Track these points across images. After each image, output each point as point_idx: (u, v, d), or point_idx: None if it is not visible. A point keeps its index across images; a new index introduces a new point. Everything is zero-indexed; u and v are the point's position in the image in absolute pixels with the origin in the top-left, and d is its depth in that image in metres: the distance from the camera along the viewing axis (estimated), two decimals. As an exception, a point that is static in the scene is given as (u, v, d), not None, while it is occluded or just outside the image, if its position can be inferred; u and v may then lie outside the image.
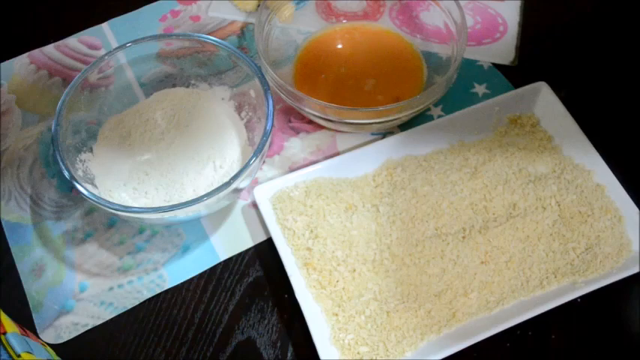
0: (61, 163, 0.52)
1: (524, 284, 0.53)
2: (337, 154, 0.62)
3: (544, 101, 0.62)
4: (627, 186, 0.56)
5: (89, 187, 0.52)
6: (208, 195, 0.50)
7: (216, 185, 0.54)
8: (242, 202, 0.59)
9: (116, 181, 0.57)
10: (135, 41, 0.59)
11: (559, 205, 0.56)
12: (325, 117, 0.59)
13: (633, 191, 0.56)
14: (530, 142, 0.61)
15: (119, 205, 0.50)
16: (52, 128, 0.54)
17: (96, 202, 0.50)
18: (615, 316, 0.54)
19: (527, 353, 0.53)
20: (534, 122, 0.62)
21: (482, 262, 0.54)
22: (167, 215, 0.50)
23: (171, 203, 0.55)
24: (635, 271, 0.53)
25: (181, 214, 0.51)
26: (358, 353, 0.50)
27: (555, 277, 0.53)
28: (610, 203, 0.56)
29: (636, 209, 0.55)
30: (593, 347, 0.53)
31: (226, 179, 0.52)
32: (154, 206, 0.53)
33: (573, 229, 0.55)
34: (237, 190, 0.54)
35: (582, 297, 0.53)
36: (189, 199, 0.51)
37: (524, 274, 0.54)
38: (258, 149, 0.52)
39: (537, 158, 0.59)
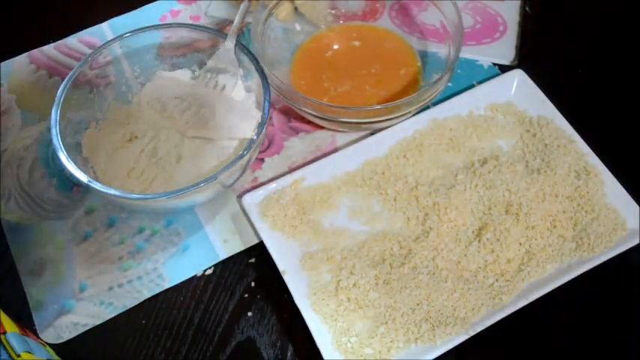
0: (60, 152, 0.52)
1: (523, 269, 0.54)
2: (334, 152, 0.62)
3: (522, 88, 0.63)
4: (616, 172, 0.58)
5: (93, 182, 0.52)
6: (195, 185, 0.51)
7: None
8: (242, 201, 0.59)
9: (117, 176, 0.57)
10: (133, 32, 0.59)
11: (552, 192, 0.57)
12: (323, 117, 0.59)
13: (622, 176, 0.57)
14: (514, 128, 0.61)
15: (122, 193, 0.51)
16: (52, 118, 0.54)
17: (103, 192, 0.51)
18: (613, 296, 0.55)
19: (528, 339, 0.53)
20: (514, 108, 0.63)
21: (486, 261, 0.54)
22: (163, 202, 0.52)
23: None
24: (629, 245, 0.53)
25: (175, 202, 0.53)
26: (361, 355, 0.50)
27: (552, 259, 0.54)
28: (601, 184, 0.57)
29: (624, 192, 0.56)
30: (592, 327, 0.53)
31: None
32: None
33: (565, 210, 0.56)
34: (227, 185, 0.56)
35: (578, 279, 0.53)
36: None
37: (522, 260, 0.54)
38: (247, 147, 0.53)
39: (523, 143, 0.60)
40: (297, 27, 0.68)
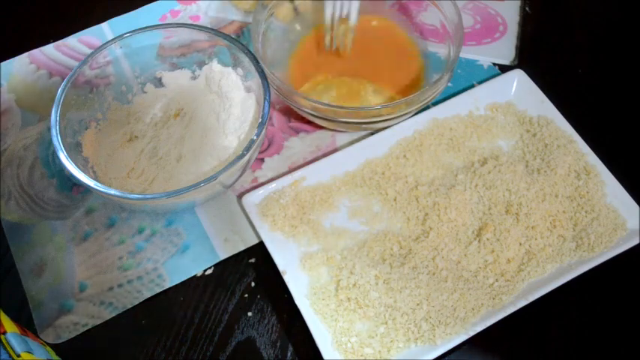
0: (60, 152, 0.52)
1: (523, 270, 0.54)
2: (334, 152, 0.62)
3: (522, 88, 0.63)
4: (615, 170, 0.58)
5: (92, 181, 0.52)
6: (195, 185, 0.51)
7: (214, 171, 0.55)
8: (242, 201, 0.59)
9: (117, 176, 0.57)
10: (133, 32, 0.59)
11: (552, 192, 0.57)
12: (322, 116, 0.59)
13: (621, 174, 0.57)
14: (514, 128, 0.62)
15: (122, 193, 0.51)
16: (52, 118, 0.53)
17: (103, 192, 0.50)
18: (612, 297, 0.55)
19: (528, 339, 0.53)
20: (514, 108, 0.63)
21: (486, 261, 0.54)
22: (162, 202, 0.52)
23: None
24: (629, 245, 0.53)
25: (175, 202, 0.53)
26: (361, 355, 0.50)
27: (552, 259, 0.54)
28: (601, 184, 0.57)
29: (624, 192, 0.56)
30: (592, 327, 0.53)
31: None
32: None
33: (565, 210, 0.56)
34: (227, 185, 0.56)
35: (578, 279, 0.53)
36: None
37: (522, 261, 0.54)
38: (247, 147, 0.52)
39: (523, 143, 0.61)
40: (297, 27, 0.68)
